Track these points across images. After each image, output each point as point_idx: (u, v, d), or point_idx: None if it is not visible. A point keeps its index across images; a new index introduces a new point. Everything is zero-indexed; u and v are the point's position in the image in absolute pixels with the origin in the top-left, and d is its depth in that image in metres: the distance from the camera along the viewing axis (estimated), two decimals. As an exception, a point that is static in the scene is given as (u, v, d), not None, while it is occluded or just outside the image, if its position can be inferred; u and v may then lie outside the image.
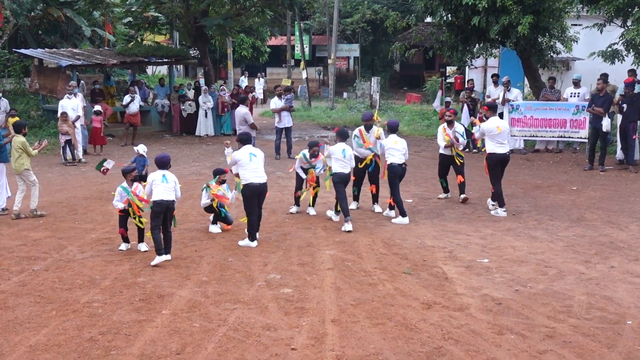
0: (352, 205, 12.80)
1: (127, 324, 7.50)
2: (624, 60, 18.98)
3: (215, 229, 11.55)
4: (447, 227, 11.71)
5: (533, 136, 19.71)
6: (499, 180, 12.71)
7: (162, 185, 9.77)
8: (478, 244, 10.63)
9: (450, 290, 8.58)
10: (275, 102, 20.05)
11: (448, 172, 13.81)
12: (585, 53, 21.35)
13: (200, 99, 24.29)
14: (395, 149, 12.21)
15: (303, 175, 12.62)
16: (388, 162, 12.18)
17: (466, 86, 22.07)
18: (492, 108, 13.35)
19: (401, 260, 9.81)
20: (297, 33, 41.70)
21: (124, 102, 22.53)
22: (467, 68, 27.84)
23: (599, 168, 16.84)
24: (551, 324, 7.43)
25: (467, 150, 13.50)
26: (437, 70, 42.30)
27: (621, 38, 18.48)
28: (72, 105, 18.91)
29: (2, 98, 20.23)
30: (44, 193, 14.58)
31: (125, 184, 10.41)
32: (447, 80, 35.59)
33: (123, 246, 10.42)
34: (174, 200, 9.91)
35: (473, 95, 20.95)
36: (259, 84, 38.63)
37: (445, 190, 13.95)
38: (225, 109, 24.61)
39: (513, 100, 19.63)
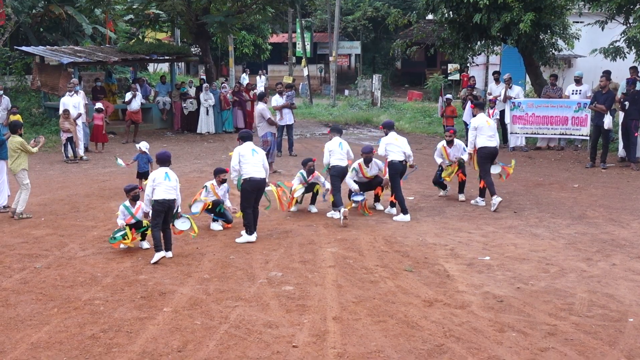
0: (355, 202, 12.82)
1: (129, 322, 7.50)
2: (626, 58, 18.96)
3: (216, 226, 11.56)
4: (448, 225, 11.71)
5: (534, 133, 19.68)
6: (489, 173, 12.92)
7: (164, 184, 9.76)
8: (479, 242, 10.63)
9: (452, 287, 8.58)
10: (277, 100, 20.02)
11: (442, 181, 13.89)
12: (587, 50, 21.36)
13: (202, 96, 24.27)
14: (395, 145, 12.22)
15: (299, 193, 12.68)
16: (389, 159, 12.18)
17: (463, 83, 22.04)
18: (479, 105, 13.70)
19: (402, 258, 9.81)
20: (298, 30, 41.69)
21: (126, 99, 22.54)
22: (468, 65, 27.79)
23: (600, 165, 16.83)
24: (552, 322, 7.43)
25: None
26: (439, 68, 42.29)
27: (623, 35, 18.46)
28: (73, 102, 18.90)
29: (4, 96, 20.21)
30: (45, 190, 14.64)
31: (127, 203, 10.39)
32: (449, 78, 35.59)
33: (123, 245, 10.42)
34: (174, 199, 9.90)
35: (475, 92, 20.92)
36: (260, 82, 38.62)
37: (443, 187, 13.98)
38: (228, 107, 24.59)
39: (514, 98, 19.61)
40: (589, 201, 13.38)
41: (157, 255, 9.64)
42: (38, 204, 13.36)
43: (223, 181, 11.62)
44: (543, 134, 19.56)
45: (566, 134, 19.30)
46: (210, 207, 11.50)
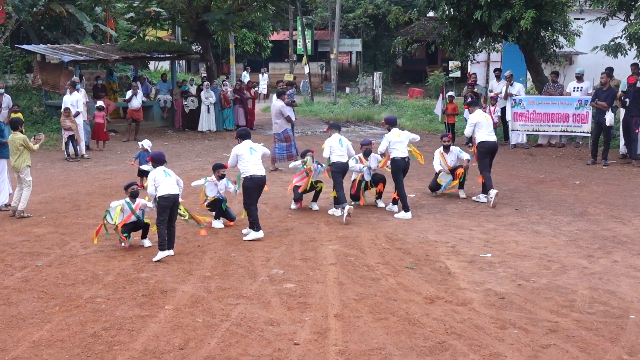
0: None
1: (130, 320, 7.51)
2: (627, 54, 18.94)
3: (218, 224, 11.57)
4: (449, 222, 11.71)
5: (535, 130, 19.68)
6: (487, 168, 12.99)
7: (166, 180, 9.78)
8: (481, 239, 10.63)
9: (453, 284, 8.58)
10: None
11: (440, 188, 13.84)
12: (588, 47, 21.33)
13: (203, 94, 24.26)
14: (398, 142, 12.20)
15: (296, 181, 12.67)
16: (392, 156, 12.17)
17: (468, 81, 22.03)
18: (473, 104, 13.81)
19: (404, 255, 9.81)
20: (299, 28, 41.67)
21: (126, 97, 22.55)
22: (469, 62, 27.78)
23: (602, 162, 16.82)
24: (554, 319, 7.43)
25: (469, 144, 13.60)
26: (440, 65, 42.25)
27: (624, 32, 18.44)
28: (71, 100, 18.90)
29: (5, 94, 20.22)
30: (46, 188, 14.65)
31: (128, 199, 10.38)
32: (450, 75, 35.54)
33: (124, 243, 10.43)
34: (178, 194, 9.92)
35: (476, 89, 20.91)
36: (263, 79, 38.61)
37: (438, 188, 13.93)
38: (229, 106, 24.59)
39: (516, 95, 19.60)
40: (590, 198, 13.37)
41: (161, 254, 9.63)
42: (39, 202, 13.36)
43: (222, 176, 11.62)
44: (544, 131, 19.55)
45: (567, 131, 19.30)
46: (210, 201, 11.50)
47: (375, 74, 33.89)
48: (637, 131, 16.48)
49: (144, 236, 10.46)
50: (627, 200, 13.12)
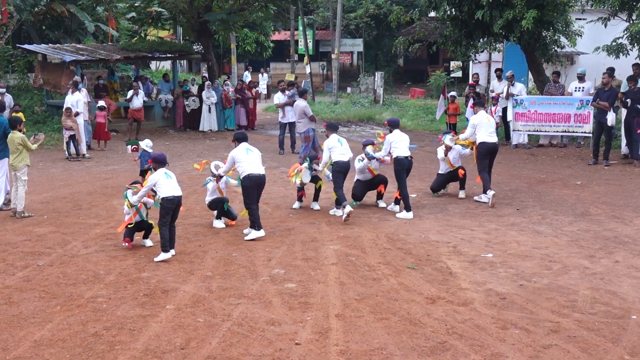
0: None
1: (132, 319, 7.51)
2: (629, 54, 18.93)
3: (219, 224, 11.56)
4: (451, 222, 11.71)
5: (537, 131, 19.67)
6: (486, 169, 13.03)
7: (168, 182, 9.76)
8: (482, 239, 10.62)
9: (455, 285, 8.58)
10: (279, 97, 20.06)
11: (442, 188, 13.86)
12: (590, 47, 21.33)
13: (204, 94, 24.27)
14: (401, 141, 12.20)
15: (307, 180, 12.57)
16: (394, 155, 12.15)
17: (470, 81, 22.02)
18: (479, 104, 13.87)
19: (405, 255, 9.81)
20: (300, 28, 41.63)
21: (128, 96, 22.57)
22: (470, 62, 27.78)
23: (603, 162, 16.82)
24: (555, 319, 7.43)
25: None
26: (441, 65, 42.22)
27: (626, 32, 18.44)
28: (72, 100, 18.91)
29: (6, 94, 20.23)
30: (48, 188, 14.66)
31: (130, 193, 10.38)
32: (451, 75, 35.54)
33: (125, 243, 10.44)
34: (181, 196, 9.91)
35: (477, 89, 20.92)
36: (263, 79, 38.60)
37: (441, 188, 13.98)
38: (229, 103, 24.58)
39: (517, 95, 19.59)
40: (592, 198, 13.37)
41: (163, 255, 9.63)
42: (41, 202, 13.37)
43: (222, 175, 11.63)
44: (545, 131, 19.55)
45: (569, 131, 19.29)
46: (211, 200, 11.52)
47: (376, 74, 33.87)
48: (638, 131, 16.46)
49: (145, 236, 10.45)
50: (629, 201, 13.11)
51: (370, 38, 44.71)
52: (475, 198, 13.22)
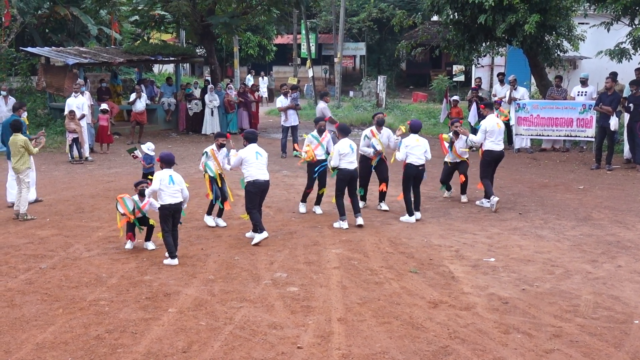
0: (359, 204, 12.69)
1: (134, 322, 7.51)
2: (632, 59, 18.93)
3: (210, 221, 11.62)
4: (453, 226, 11.70)
5: (539, 135, 19.65)
6: (489, 176, 12.98)
7: (169, 188, 9.74)
8: (484, 243, 10.62)
9: (457, 289, 8.57)
10: (282, 101, 20.06)
11: (451, 179, 13.81)
12: (592, 52, 21.33)
13: (207, 97, 24.28)
14: (417, 147, 12.07)
15: (304, 155, 12.44)
16: (407, 161, 12.08)
17: (472, 85, 22.03)
18: (489, 105, 13.54)
19: (407, 259, 9.80)
20: (303, 31, 41.64)
21: (130, 99, 22.59)
22: (473, 67, 27.79)
23: (606, 167, 16.80)
24: (558, 323, 7.42)
25: (473, 149, 13.48)
26: (444, 69, 42.24)
27: (628, 36, 18.44)
28: (77, 103, 18.93)
29: (10, 97, 20.26)
30: (50, 191, 14.66)
31: (136, 197, 10.39)
32: (454, 79, 35.54)
33: (129, 244, 10.44)
34: (181, 202, 9.89)
35: (480, 94, 20.92)
36: (263, 83, 38.61)
37: (448, 188, 13.96)
38: (232, 108, 24.58)
39: (519, 99, 19.59)
40: (594, 203, 13.36)
41: (170, 261, 9.63)
42: (43, 205, 13.38)
43: (222, 145, 11.62)
44: (548, 135, 19.53)
45: (571, 136, 19.28)
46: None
47: (379, 77, 33.88)
48: (640, 135, 16.46)
49: (147, 239, 10.46)
50: (631, 205, 13.10)
51: (372, 42, 44.72)
52: (477, 202, 13.22)
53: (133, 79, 29.89)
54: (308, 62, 37.82)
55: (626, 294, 8.36)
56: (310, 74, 37.17)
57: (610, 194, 14.18)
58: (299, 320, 7.55)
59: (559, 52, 20.88)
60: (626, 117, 17.14)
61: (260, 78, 39.13)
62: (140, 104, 22.34)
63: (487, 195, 12.90)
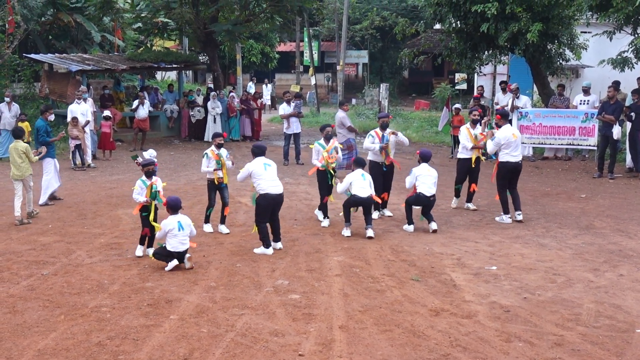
0: (375, 215, 12.57)
1: (135, 329, 7.51)
2: (634, 68, 18.94)
3: (208, 228, 11.67)
4: (455, 234, 11.70)
5: (542, 143, 19.66)
6: (506, 189, 12.61)
7: (178, 236, 9.71)
8: (486, 251, 10.61)
9: (458, 297, 8.57)
10: (284, 108, 20.09)
11: (466, 179, 13.55)
12: (595, 60, 21.33)
13: (209, 104, 24.33)
14: (427, 176, 11.98)
15: (318, 164, 12.35)
16: (417, 190, 11.98)
17: (475, 93, 22.04)
18: (505, 115, 13.10)
19: (409, 267, 9.80)
20: (306, 39, 41.77)
21: (133, 106, 22.64)
22: (475, 75, 27.82)
23: (608, 176, 16.80)
24: (559, 332, 7.41)
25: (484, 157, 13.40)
26: (446, 77, 42.29)
27: (631, 46, 18.45)
28: (81, 110, 18.97)
29: (14, 103, 20.32)
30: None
31: (144, 177, 10.43)
32: (456, 87, 35.56)
33: (139, 250, 10.42)
34: (187, 249, 9.84)
35: (482, 102, 20.93)
36: (267, 90, 38.67)
37: (457, 194, 13.75)
38: (234, 114, 24.60)
39: (522, 108, 19.61)
40: (596, 211, 13.35)
41: (171, 264, 9.67)
42: (45, 211, 13.40)
43: (220, 145, 11.63)
44: (550, 144, 19.54)
45: (573, 144, 19.29)
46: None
47: (381, 85, 33.83)
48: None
49: (149, 245, 10.46)
50: (633, 214, 13.09)
51: (375, 50, 44.80)
52: (497, 219, 12.71)
53: (136, 86, 29.92)
54: (311, 69, 37.90)
55: (628, 302, 8.35)
56: (313, 82, 37.24)
57: (612, 202, 14.18)
58: (300, 328, 7.54)
59: (561, 61, 20.90)
60: (628, 126, 17.15)
61: (263, 85, 39.21)
62: (143, 111, 22.39)
63: (503, 211, 12.65)
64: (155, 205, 10.37)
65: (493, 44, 20.30)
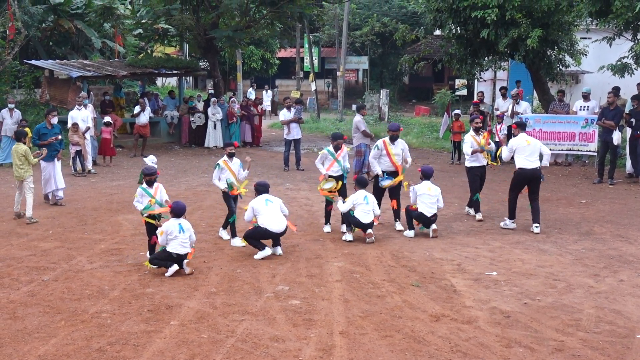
0: (397, 226, 12.56)
1: (136, 335, 7.51)
2: (634, 74, 18.97)
3: (224, 234, 11.67)
4: (455, 240, 11.70)
5: (542, 149, 19.65)
6: (516, 194, 12.48)
7: (179, 238, 9.75)
8: (487, 257, 10.62)
9: (459, 302, 8.57)
10: (284, 114, 20.12)
11: (481, 187, 13.42)
12: (595, 66, 21.37)
13: (210, 110, 24.36)
14: (427, 195, 11.97)
15: (323, 170, 12.40)
16: (419, 210, 11.98)
17: (474, 99, 22.07)
18: (521, 126, 12.85)
19: (409, 273, 9.80)
20: (306, 45, 41.83)
21: (134, 113, 22.68)
22: (475, 81, 27.87)
23: (608, 181, 16.81)
24: (560, 338, 7.41)
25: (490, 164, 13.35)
26: (446, 83, 42.35)
27: (631, 52, 18.48)
28: (82, 116, 19.00)
29: (15, 109, 20.35)
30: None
31: (145, 185, 10.45)
32: (456, 93, 35.61)
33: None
34: (187, 253, 9.86)
35: (482, 108, 20.96)
36: (267, 96, 38.72)
37: (477, 207, 13.32)
38: (235, 119, 24.59)
39: (522, 113, 19.62)
40: (597, 217, 13.36)
41: (172, 270, 9.67)
42: (46, 217, 13.42)
43: (231, 154, 11.63)
44: (550, 149, 19.45)
45: (573, 150, 19.30)
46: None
47: (381, 91, 33.98)
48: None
49: (151, 252, 10.46)
50: (634, 220, 13.10)
51: (375, 56, 44.87)
52: (501, 225, 12.67)
53: (136, 92, 29.97)
54: (311, 75, 37.95)
55: (628, 308, 8.35)
56: (313, 88, 37.28)
57: (612, 208, 14.18)
58: (300, 334, 7.55)
59: (561, 67, 20.94)
60: (628, 131, 17.17)
61: (264, 91, 39.27)
62: (144, 117, 22.42)
63: (510, 216, 12.60)
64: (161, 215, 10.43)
65: (493, 49, 20.33)
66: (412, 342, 7.31)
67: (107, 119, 20.72)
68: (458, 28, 20.57)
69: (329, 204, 12.47)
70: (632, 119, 16.57)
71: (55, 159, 14.62)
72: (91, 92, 24.45)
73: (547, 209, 14.12)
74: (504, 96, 20.96)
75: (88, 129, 19.03)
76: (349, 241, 11.55)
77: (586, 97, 19.46)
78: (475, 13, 18.69)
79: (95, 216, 13.57)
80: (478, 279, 9.50)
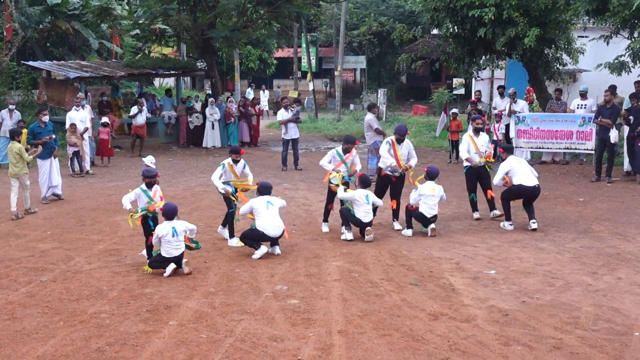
0: (396, 225, 12.57)
1: (135, 335, 7.51)
2: (631, 72, 18.98)
3: (225, 232, 11.64)
4: (453, 239, 11.71)
5: (539, 148, 19.68)
6: (509, 201, 12.42)
7: (173, 241, 9.73)
8: (485, 255, 10.62)
9: (457, 301, 8.57)
10: (282, 114, 20.12)
11: (476, 187, 13.33)
12: (592, 65, 21.40)
13: (207, 110, 24.37)
14: (430, 196, 11.92)
15: (328, 167, 12.32)
16: (420, 210, 11.96)
17: (472, 98, 22.08)
18: (508, 150, 12.86)
19: (408, 272, 9.81)
20: (304, 45, 41.84)
21: (131, 113, 22.67)
22: (473, 80, 27.90)
23: (606, 179, 16.82)
24: (558, 335, 7.42)
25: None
26: (444, 82, 42.38)
27: (628, 50, 18.50)
28: (80, 117, 19.00)
29: (15, 110, 20.35)
30: (52, 204, 14.74)
31: (144, 187, 10.42)
32: (454, 92, 35.65)
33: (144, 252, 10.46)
34: (182, 253, 9.84)
35: (479, 107, 20.97)
36: (264, 96, 38.74)
37: (474, 206, 13.30)
38: (232, 119, 24.60)
39: (519, 112, 19.63)
40: (594, 215, 13.37)
41: (170, 268, 9.68)
42: (44, 218, 13.42)
43: (236, 162, 11.57)
44: (548, 148, 19.56)
45: (571, 148, 19.29)
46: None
47: (379, 90, 33.98)
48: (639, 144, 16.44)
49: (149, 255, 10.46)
50: (631, 218, 13.11)
51: (373, 55, 44.90)
52: (501, 225, 12.60)
53: (134, 93, 29.98)
54: (308, 75, 38.00)
55: (626, 306, 8.36)
56: (311, 87, 37.33)
57: (610, 206, 14.19)
58: (299, 333, 7.55)
59: (558, 65, 20.96)
60: (626, 129, 17.18)
61: (261, 92, 39.28)
62: (142, 118, 22.41)
63: (507, 218, 12.54)
64: (155, 215, 10.39)
65: (490, 48, 20.34)
66: (411, 340, 7.32)
67: (105, 119, 20.72)
68: (455, 27, 20.59)
69: (329, 202, 12.45)
70: (631, 117, 16.57)
71: (52, 156, 14.92)
72: (89, 93, 24.47)
73: (545, 207, 14.13)
74: (501, 95, 20.97)
75: (86, 129, 19.04)
76: (349, 240, 11.55)
77: (583, 95, 19.47)
78: (472, 12, 18.70)
79: (94, 217, 13.57)
80: (476, 278, 9.51)
